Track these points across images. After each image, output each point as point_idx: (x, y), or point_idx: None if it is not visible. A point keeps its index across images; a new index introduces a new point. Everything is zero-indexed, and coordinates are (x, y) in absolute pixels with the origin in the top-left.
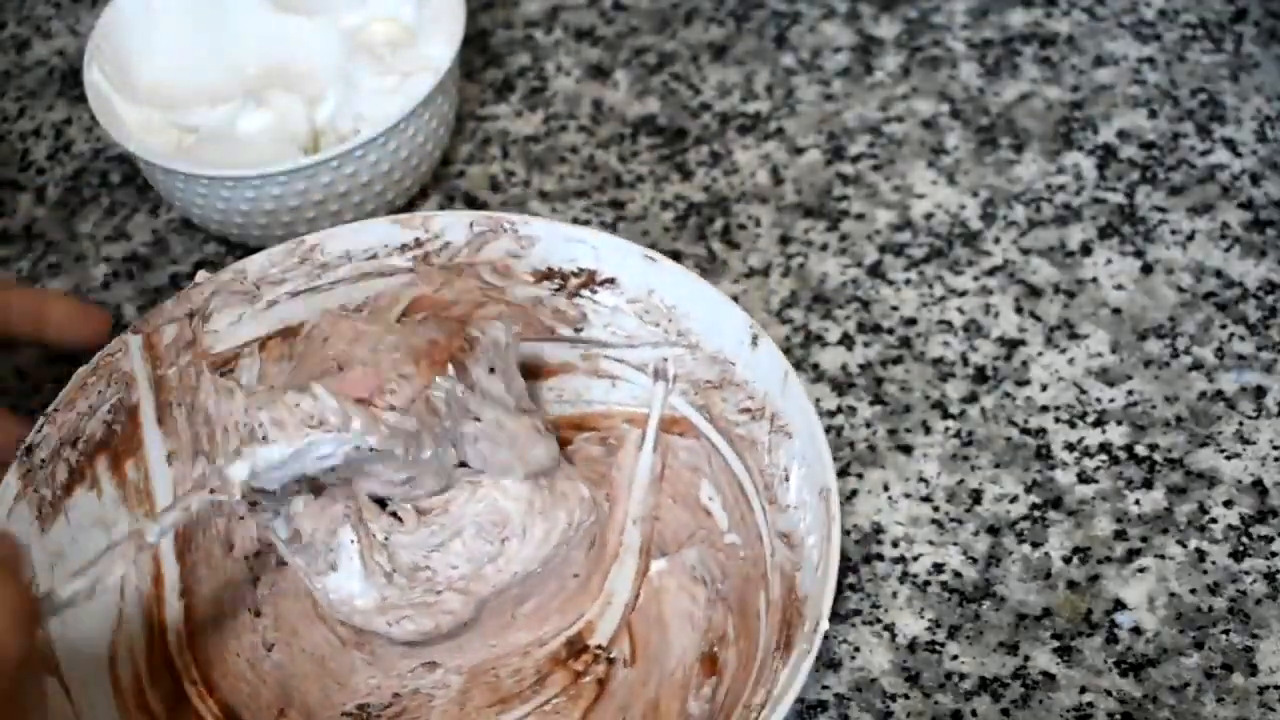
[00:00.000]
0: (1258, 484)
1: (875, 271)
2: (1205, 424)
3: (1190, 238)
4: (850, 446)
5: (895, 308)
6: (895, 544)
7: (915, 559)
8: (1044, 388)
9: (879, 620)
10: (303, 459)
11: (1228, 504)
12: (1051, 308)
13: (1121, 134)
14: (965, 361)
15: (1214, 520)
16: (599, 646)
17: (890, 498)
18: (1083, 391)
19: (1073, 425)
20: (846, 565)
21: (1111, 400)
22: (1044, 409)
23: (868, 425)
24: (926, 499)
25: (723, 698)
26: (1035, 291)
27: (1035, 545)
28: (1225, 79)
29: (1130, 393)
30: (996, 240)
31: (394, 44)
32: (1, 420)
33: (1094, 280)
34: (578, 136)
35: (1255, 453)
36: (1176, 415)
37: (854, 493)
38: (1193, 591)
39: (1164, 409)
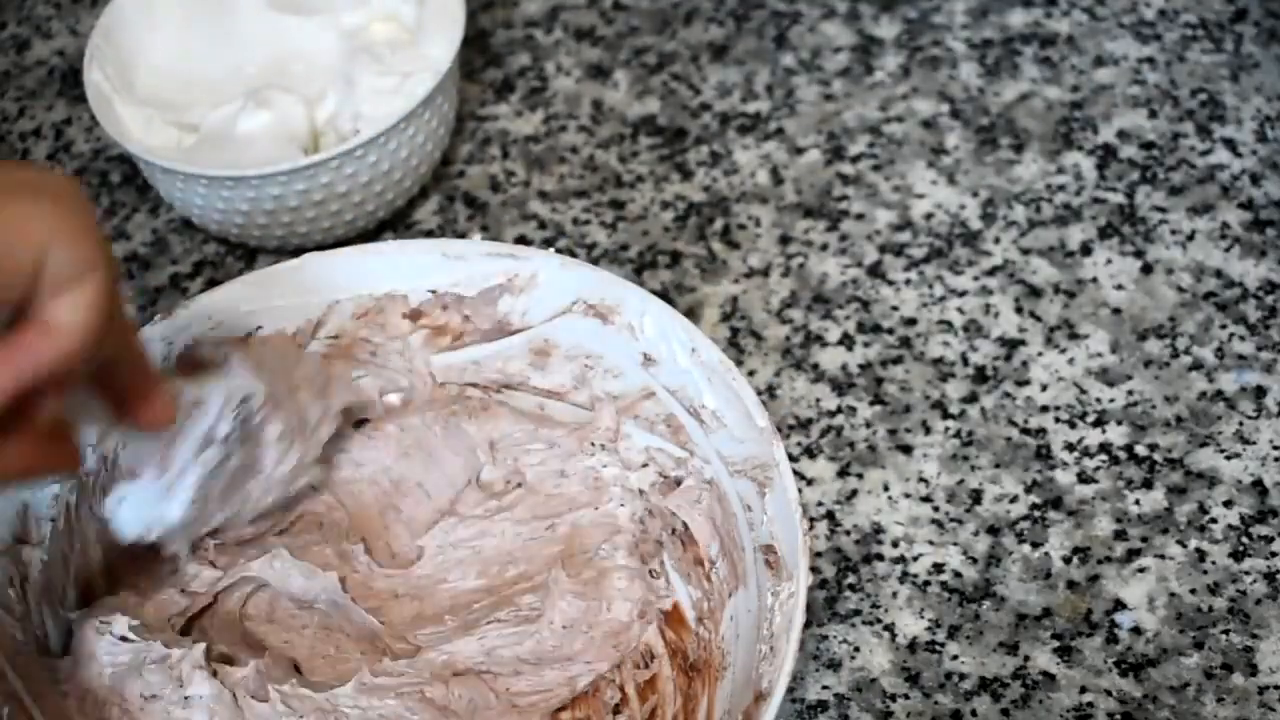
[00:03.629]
0: (1258, 484)
1: (875, 271)
2: (1205, 424)
3: (1190, 238)
4: (850, 446)
5: (895, 308)
6: (895, 544)
7: (915, 559)
8: (1044, 388)
9: (879, 620)
10: None
11: (1228, 504)
12: (1051, 308)
13: (1121, 134)
14: (965, 361)
15: (1214, 520)
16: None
17: (890, 498)
18: (1083, 391)
19: (1073, 425)
20: (846, 565)
21: (1111, 400)
22: (1044, 409)
23: (868, 425)
24: (926, 499)
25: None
26: (1035, 291)
27: (1035, 545)
28: (1225, 79)
29: (1130, 393)
30: (996, 240)
31: (394, 44)
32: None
33: (1094, 280)
34: (578, 136)
35: (1255, 453)
36: (1176, 415)
37: (854, 493)
38: (1193, 591)
39: (1164, 409)
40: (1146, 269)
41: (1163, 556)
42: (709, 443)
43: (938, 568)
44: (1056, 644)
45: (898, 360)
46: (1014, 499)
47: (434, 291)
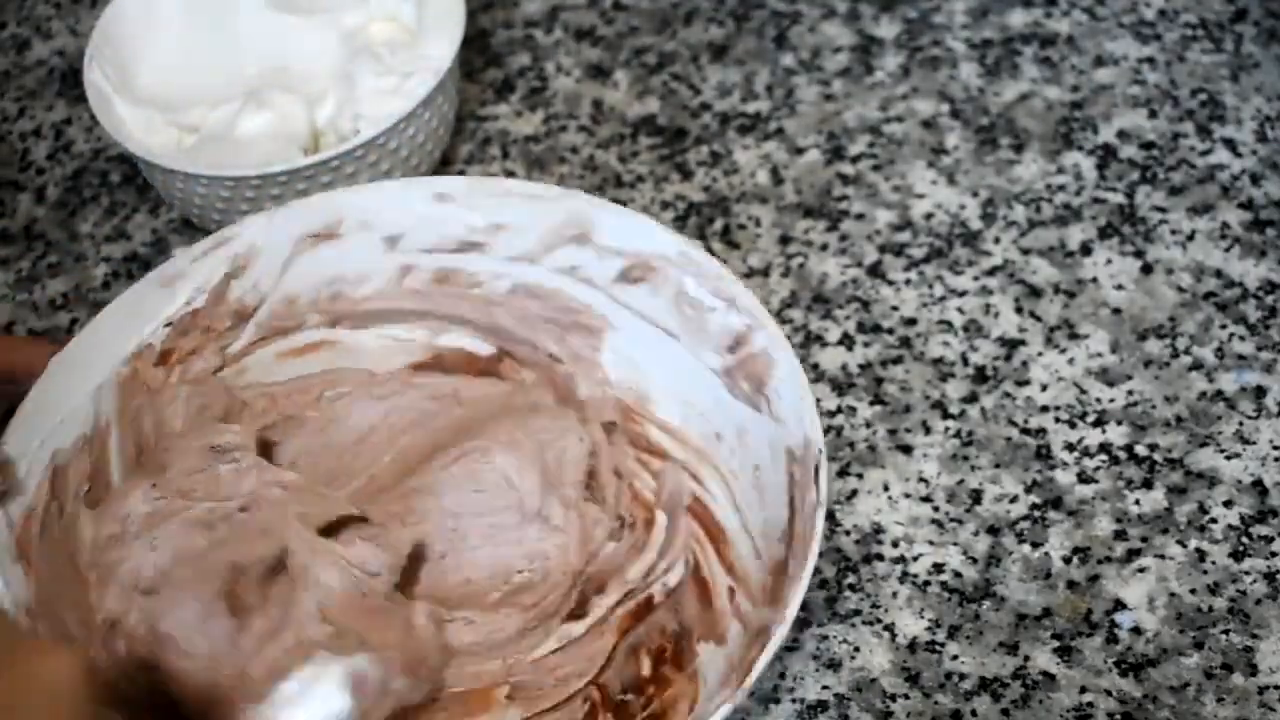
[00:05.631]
0: (1258, 484)
1: (875, 271)
2: (1205, 424)
3: (1190, 238)
4: (850, 446)
5: (895, 308)
6: (895, 544)
7: (915, 559)
8: (1044, 388)
9: (879, 620)
10: None
11: (1228, 504)
12: (1051, 308)
13: (1121, 134)
14: (965, 361)
15: (1214, 520)
16: None
17: (890, 498)
18: (1083, 391)
19: (1073, 425)
20: (846, 565)
21: (1111, 400)
22: (1044, 409)
23: (868, 425)
24: (926, 499)
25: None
26: (1035, 291)
27: (1035, 545)
28: (1225, 79)
29: (1130, 393)
30: (996, 240)
31: (394, 44)
32: (27, 344)
33: (1094, 280)
34: (578, 136)
35: (1255, 453)
36: (1176, 415)
37: (854, 493)
38: (1193, 591)
39: (1164, 409)
40: (1146, 269)
41: (1163, 556)
42: (500, 250)
43: (938, 568)
44: (1056, 644)
45: (898, 360)
46: (1014, 499)
47: (170, 324)
